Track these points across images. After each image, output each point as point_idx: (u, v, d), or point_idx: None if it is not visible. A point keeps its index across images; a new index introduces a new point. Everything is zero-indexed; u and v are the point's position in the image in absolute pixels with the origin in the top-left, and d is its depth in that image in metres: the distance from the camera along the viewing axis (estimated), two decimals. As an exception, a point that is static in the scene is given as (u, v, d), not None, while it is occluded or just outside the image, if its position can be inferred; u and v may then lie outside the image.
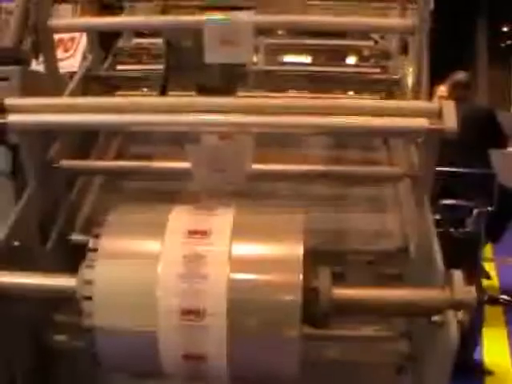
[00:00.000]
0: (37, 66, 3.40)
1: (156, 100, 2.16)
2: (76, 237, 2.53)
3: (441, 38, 8.20)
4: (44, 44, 2.55)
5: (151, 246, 1.88)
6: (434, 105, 2.06)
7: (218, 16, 2.37)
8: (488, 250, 8.58)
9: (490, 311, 6.65)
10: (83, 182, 2.78)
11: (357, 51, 3.62)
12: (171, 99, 2.19)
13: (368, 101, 2.24)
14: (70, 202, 2.64)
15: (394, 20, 2.63)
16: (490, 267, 8.67)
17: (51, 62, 2.60)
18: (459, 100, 6.81)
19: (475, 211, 6.04)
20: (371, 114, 2.04)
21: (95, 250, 1.89)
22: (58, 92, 2.64)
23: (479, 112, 6.99)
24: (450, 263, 2.27)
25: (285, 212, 2.06)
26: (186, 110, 2.02)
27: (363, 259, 2.63)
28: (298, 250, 1.86)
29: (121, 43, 3.37)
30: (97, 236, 1.92)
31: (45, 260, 2.37)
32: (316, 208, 2.60)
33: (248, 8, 2.41)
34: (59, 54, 2.83)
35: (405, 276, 2.54)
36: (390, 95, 3.02)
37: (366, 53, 3.59)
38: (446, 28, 8.85)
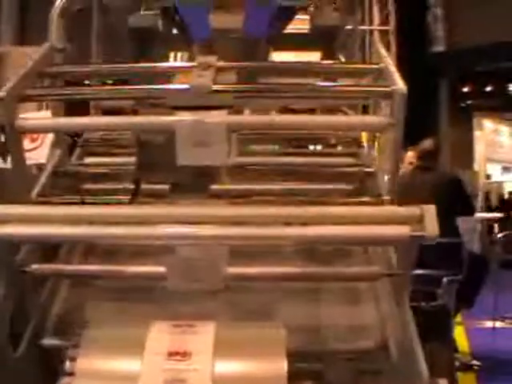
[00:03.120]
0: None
1: (130, 211, 2.10)
2: (48, 341, 2.46)
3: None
4: (11, 144, 2.49)
5: (130, 368, 1.81)
6: (414, 210, 2.03)
7: (189, 117, 2.32)
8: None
9: (462, 378, 6.61)
10: (52, 281, 2.70)
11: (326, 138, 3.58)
12: (145, 210, 2.12)
13: (347, 208, 2.19)
14: (40, 304, 2.57)
15: (369, 118, 2.61)
16: (459, 331, 8.63)
17: (19, 161, 2.53)
18: (427, 168, 6.88)
19: (445, 280, 6.03)
20: (352, 222, 2.00)
21: (71, 374, 1.81)
22: (25, 190, 2.59)
23: (447, 180, 7.01)
24: (422, 337, 2.25)
25: (266, 327, 2.00)
26: (162, 221, 1.97)
27: (342, 356, 2.57)
28: (282, 369, 1.81)
29: (88, 134, 3.31)
30: (72, 359, 1.84)
31: (16, 365, 2.29)
32: (292, 301, 2.55)
33: (219, 108, 2.36)
34: (26, 144, 2.75)
35: (385, 372, 2.49)
36: (363, 189, 3.00)
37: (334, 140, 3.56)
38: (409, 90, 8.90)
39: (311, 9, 4.40)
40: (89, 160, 3.23)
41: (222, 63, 2.55)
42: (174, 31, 4.37)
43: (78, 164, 3.18)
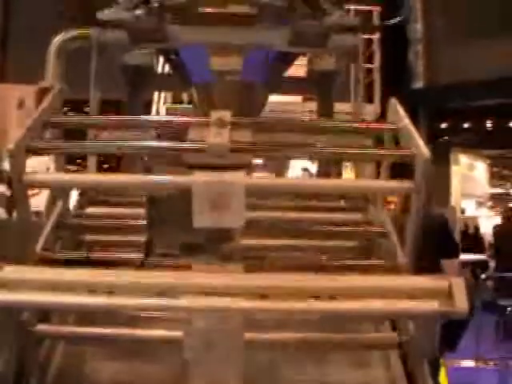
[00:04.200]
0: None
1: (150, 280, 2.01)
2: None
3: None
4: (18, 197, 2.41)
5: None
6: (443, 283, 1.97)
7: (207, 177, 2.25)
8: (435, 353, 8.55)
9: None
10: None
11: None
12: (166, 280, 2.03)
13: (374, 279, 2.12)
14: (39, 362, 2.50)
15: (391, 182, 2.55)
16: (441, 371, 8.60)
17: (24, 215, 2.46)
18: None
19: (430, 323, 5.99)
20: (379, 295, 1.93)
21: None
22: (29, 245, 2.53)
23: (432, 221, 6.98)
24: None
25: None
26: (185, 291, 1.89)
27: None
28: None
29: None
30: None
31: None
32: (302, 363, 2.49)
33: (236, 167, 2.29)
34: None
35: None
36: (375, 248, 2.95)
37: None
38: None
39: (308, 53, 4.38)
40: (90, 210, 3.14)
41: (236, 119, 2.49)
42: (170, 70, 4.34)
43: (80, 215, 3.09)
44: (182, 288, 1.95)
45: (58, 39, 4.73)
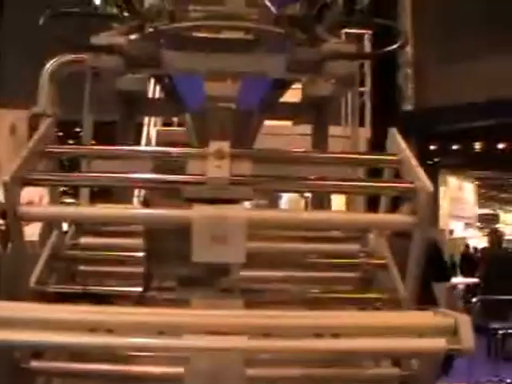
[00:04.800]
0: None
1: (152, 319, 1.97)
2: None
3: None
4: (13, 230, 2.36)
5: None
6: (449, 321, 1.94)
7: (207, 211, 2.21)
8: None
9: None
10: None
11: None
12: (164, 318, 1.99)
13: (377, 316, 2.09)
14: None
15: (392, 216, 2.53)
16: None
17: (19, 248, 2.42)
18: (402, 233, 6.84)
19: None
20: (383, 333, 1.90)
21: None
22: (23, 278, 2.48)
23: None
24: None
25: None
26: (188, 330, 1.85)
27: None
28: None
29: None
30: None
31: None
32: None
33: (237, 201, 2.26)
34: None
35: None
36: (373, 280, 2.92)
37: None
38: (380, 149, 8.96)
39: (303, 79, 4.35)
40: (85, 240, 3.09)
41: (235, 150, 2.46)
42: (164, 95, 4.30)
43: (75, 245, 3.04)
44: (183, 327, 1.90)
45: (51, 64, 4.70)
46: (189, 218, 2.21)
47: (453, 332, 1.92)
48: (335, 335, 1.90)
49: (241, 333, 1.90)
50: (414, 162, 2.45)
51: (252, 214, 2.31)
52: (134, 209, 2.62)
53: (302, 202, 8.41)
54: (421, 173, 2.37)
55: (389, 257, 2.89)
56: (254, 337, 1.90)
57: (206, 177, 2.31)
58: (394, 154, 2.59)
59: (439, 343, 1.90)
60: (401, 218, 2.40)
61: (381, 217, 2.68)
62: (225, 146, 2.44)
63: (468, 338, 1.89)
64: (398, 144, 2.58)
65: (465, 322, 1.92)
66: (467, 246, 22.45)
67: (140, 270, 2.72)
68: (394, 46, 3.33)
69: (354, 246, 3.11)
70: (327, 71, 3.24)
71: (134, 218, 2.41)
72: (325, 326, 1.91)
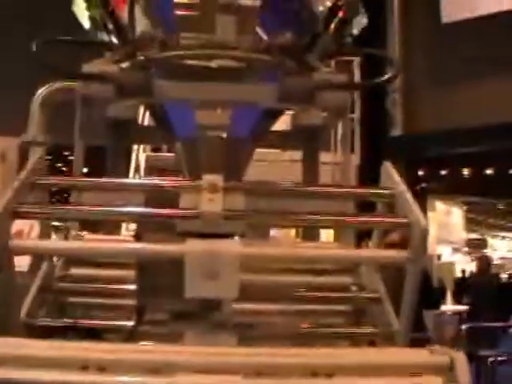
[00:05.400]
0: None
1: (145, 357, 1.94)
2: None
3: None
4: (3, 264, 2.33)
5: None
6: (444, 358, 1.92)
7: (200, 246, 2.19)
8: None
9: None
10: None
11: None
12: (158, 356, 1.96)
13: (374, 355, 2.06)
14: None
15: (387, 252, 2.51)
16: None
17: (9, 282, 2.39)
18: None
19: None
20: (379, 371, 1.87)
21: None
22: (12, 312, 2.45)
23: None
24: None
25: None
26: (182, 370, 1.82)
27: None
28: None
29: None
30: None
31: None
32: None
33: (231, 236, 2.24)
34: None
35: None
36: (366, 314, 2.89)
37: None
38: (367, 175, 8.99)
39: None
40: (76, 271, 3.06)
41: (229, 184, 2.44)
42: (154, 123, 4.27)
43: (65, 276, 3.01)
44: (176, 366, 1.87)
45: (42, 91, 4.68)
46: (181, 253, 2.20)
47: (449, 369, 1.90)
48: (330, 375, 1.87)
49: (235, 372, 1.87)
50: (408, 196, 2.44)
51: (245, 250, 2.29)
52: (126, 243, 2.58)
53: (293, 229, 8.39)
54: (415, 207, 2.36)
55: (382, 290, 2.88)
56: (248, 376, 1.88)
57: (199, 211, 2.29)
58: (387, 188, 2.58)
59: (436, 382, 1.88)
60: (395, 254, 2.39)
61: (375, 252, 2.67)
62: (218, 179, 2.43)
63: (464, 376, 1.88)
64: (392, 177, 2.57)
65: (461, 360, 1.91)
66: (463, 272, 22.41)
67: (131, 302, 2.69)
68: (386, 77, 3.32)
69: (346, 279, 3.09)
70: (319, 101, 3.23)
71: (126, 252, 2.38)
72: (320, 366, 1.88)
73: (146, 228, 2.50)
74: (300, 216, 2.47)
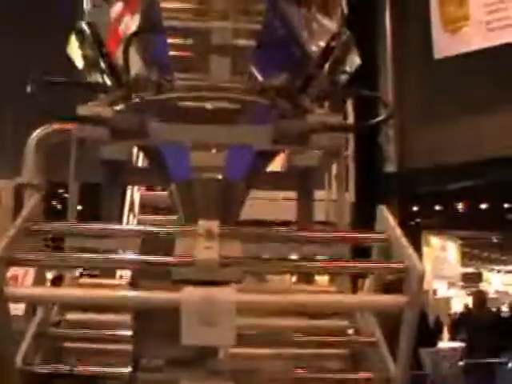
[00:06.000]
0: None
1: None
2: None
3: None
4: None
5: None
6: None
7: (196, 294, 2.18)
8: None
9: None
10: None
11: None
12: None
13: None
14: None
15: (384, 297, 2.51)
16: None
17: (5, 328, 2.38)
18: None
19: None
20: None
21: None
22: (9, 358, 2.43)
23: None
24: None
25: None
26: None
27: None
28: None
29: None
30: None
31: None
32: None
33: (228, 283, 2.23)
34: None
35: None
36: (363, 357, 2.88)
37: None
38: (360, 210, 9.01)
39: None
40: (71, 316, 3.04)
41: (224, 229, 2.44)
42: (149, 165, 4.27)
43: (60, 321, 2.99)
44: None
45: (36, 133, 4.68)
46: (178, 301, 2.19)
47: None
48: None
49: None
50: (404, 240, 2.44)
51: (241, 297, 2.28)
52: (122, 290, 2.57)
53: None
54: (411, 252, 2.36)
55: (378, 333, 2.86)
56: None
57: (195, 259, 2.28)
58: (383, 232, 2.57)
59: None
60: (392, 300, 2.38)
61: (371, 298, 2.66)
62: (214, 225, 2.42)
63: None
64: (387, 221, 2.57)
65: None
66: (467, 307, 22.17)
67: (128, 347, 2.67)
68: (380, 118, 3.32)
69: (342, 323, 3.08)
70: (313, 143, 3.23)
71: (122, 300, 2.37)
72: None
73: (142, 274, 2.49)
74: (296, 262, 2.47)
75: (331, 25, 3.48)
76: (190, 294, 2.20)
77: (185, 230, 2.55)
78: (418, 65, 19.51)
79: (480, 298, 12.39)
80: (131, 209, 8.50)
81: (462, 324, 15.04)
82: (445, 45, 19.38)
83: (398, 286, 5.70)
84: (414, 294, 2.28)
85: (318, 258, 2.70)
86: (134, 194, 8.72)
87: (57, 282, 4.86)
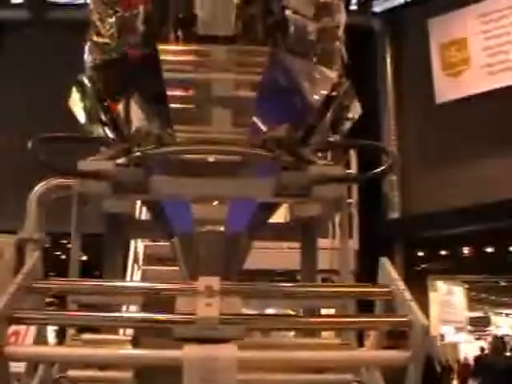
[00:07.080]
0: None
1: None
2: None
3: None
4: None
5: None
6: None
7: (198, 352, 2.16)
8: None
9: None
10: None
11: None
12: None
13: None
14: None
15: (387, 352, 2.48)
16: None
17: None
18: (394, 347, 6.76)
19: None
20: None
21: None
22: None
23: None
24: None
25: None
26: None
27: None
28: None
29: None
30: None
31: None
32: None
33: (228, 340, 2.21)
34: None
35: None
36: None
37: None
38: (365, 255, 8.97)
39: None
40: (73, 373, 3.00)
41: (226, 287, 2.42)
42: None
43: (62, 377, 2.96)
44: None
45: (38, 188, 4.69)
46: (180, 359, 2.17)
47: None
48: None
49: None
50: (406, 294, 2.42)
51: (243, 355, 2.26)
52: (123, 348, 2.55)
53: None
54: (414, 306, 2.34)
55: None
56: None
57: (196, 317, 2.27)
58: (385, 286, 2.55)
59: None
60: (396, 355, 2.36)
61: (375, 353, 2.63)
62: (215, 281, 2.41)
63: None
64: (390, 274, 2.55)
65: None
66: (482, 349, 21.84)
67: None
68: (383, 168, 3.31)
69: (346, 376, 3.04)
70: (315, 194, 3.22)
71: (124, 359, 2.35)
72: None
73: (143, 331, 2.48)
74: (298, 319, 2.45)
75: (332, 74, 3.48)
76: (191, 353, 2.18)
77: (185, 288, 2.53)
78: (420, 110, 19.60)
79: (498, 343, 12.22)
80: (135, 260, 8.49)
81: (478, 369, 14.79)
82: (446, 89, 19.49)
83: (401, 334, 5.64)
84: (418, 347, 2.26)
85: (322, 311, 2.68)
86: (138, 244, 8.72)
87: (60, 333, 4.82)
